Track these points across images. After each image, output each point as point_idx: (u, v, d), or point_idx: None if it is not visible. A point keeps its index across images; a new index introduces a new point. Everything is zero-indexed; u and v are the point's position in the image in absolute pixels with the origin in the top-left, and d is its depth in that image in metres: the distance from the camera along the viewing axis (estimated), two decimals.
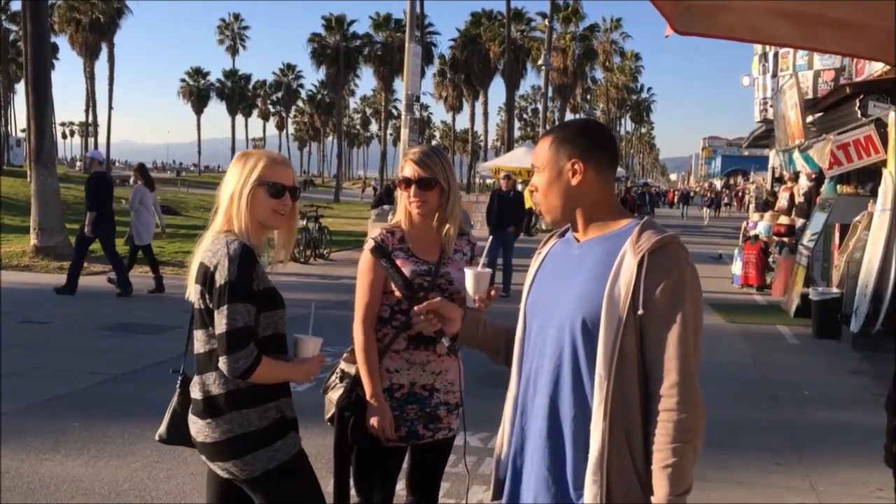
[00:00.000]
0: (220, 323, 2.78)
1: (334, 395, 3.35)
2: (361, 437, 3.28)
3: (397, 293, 3.06)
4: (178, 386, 3.13)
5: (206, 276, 2.84)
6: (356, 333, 3.30)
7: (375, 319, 3.32)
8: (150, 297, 13.00)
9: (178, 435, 3.07)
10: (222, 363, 2.78)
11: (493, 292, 3.03)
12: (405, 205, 3.39)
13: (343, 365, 3.37)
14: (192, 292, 2.91)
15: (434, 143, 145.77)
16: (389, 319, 3.33)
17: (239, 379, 2.81)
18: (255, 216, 2.92)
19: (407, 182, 3.35)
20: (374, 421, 3.24)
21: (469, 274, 2.93)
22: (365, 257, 3.33)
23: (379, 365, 3.29)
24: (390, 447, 3.31)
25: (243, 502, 2.98)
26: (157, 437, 3.17)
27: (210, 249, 2.88)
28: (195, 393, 2.93)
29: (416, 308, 2.68)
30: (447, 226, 3.41)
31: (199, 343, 2.92)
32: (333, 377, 3.40)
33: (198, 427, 2.92)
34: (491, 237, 7.98)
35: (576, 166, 2.33)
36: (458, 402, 3.45)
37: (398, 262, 3.23)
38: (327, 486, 3.28)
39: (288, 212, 3.02)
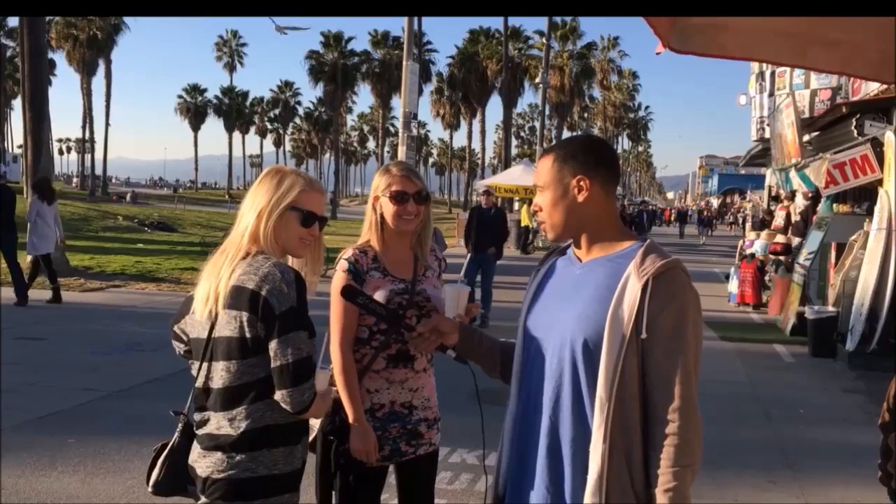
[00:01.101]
0: (285, 352, 2.55)
1: (315, 420, 3.24)
2: (346, 460, 3.24)
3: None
4: (179, 430, 2.81)
5: (255, 302, 2.56)
6: (334, 357, 3.22)
7: (353, 342, 3.27)
8: (146, 314, 13.00)
9: (179, 483, 2.81)
10: (286, 395, 2.56)
11: (472, 309, 3.04)
12: (390, 221, 3.32)
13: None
14: (222, 320, 2.63)
15: (431, 160, 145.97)
16: (368, 340, 3.28)
17: (300, 413, 2.61)
18: (280, 241, 2.71)
19: (402, 196, 3.29)
20: (358, 445, 3.20)
21: (448, 292, 2.92)
22: (336, 279, 3.26)
23: (359, 386, 3.25)
24: (374, 467, 3.29)
25: None
26: (151, 489, 2.87)
27: (252, 273, 2.60)
28: (219, 429, 2.64)
29: (417, 330, 2.68)
30: (424, 241, 3.43)
31: (231, 375, 2.63)
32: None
33: (212, 461, 2.65)
34: (468, 259, 7.46)
35: (581, 183, 2.33)
36: (437, 416, 3.47)
37: (375, 282, 3.25)
38: None
39: (314, 241, 2.82)
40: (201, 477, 2.68)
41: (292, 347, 2.56)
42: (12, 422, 6.91)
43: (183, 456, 2.76)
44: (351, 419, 3.20)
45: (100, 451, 6.24)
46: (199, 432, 2.71)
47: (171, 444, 2.81)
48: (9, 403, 7.42)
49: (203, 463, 2.68)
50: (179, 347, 2.94)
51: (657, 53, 2.93)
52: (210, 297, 2.65)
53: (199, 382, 2.72)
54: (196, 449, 2.73)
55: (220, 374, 2.65)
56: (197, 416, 2.74)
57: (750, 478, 6.25)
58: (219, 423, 2.65)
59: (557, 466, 2.28)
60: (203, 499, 2.68)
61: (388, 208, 3.32)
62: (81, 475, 5.76)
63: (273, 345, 2.57)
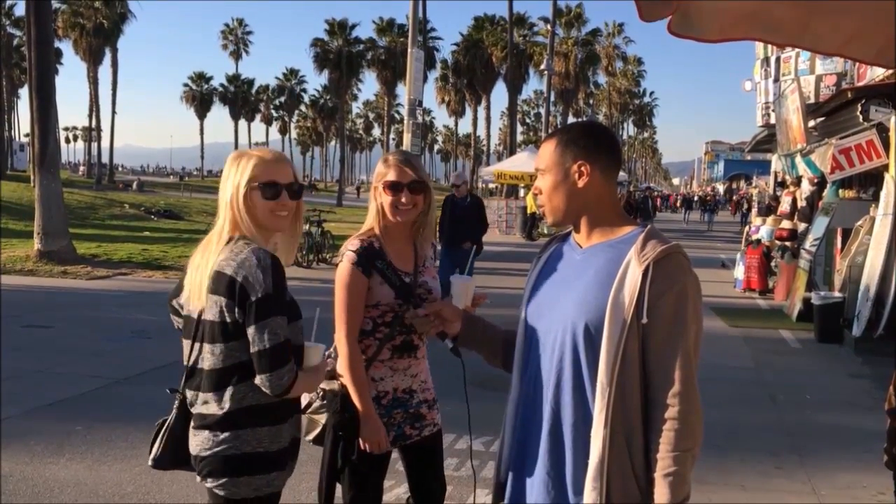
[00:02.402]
0: (262, 338, 2.61)
1: (320, 415, 3.25)
2: (356, 453, 3.24)
3: (385, 301, 3.11)
4: (175, 407, 2.86)
5: (232, 288, 2.62)
6: (341, 350, 3.23)
7: (358, 333, 3.27)
8: (153, 302, 13.02)
9: (178, 457, 2.85)
10: (265, 380, 2.62)
11: (479, 299, 3.04)
12: (387, 211, 3.30)
13: (324, 383, 3.20)
14: (207, 304, 2.69)
15: (437, 147, 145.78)
16: (373, 331, 3.29)
17: (279, 396, 2.67)
18: (255, 220, 2.73)
19: (395, 186, 3.27)
20: (370, 437, 3.23)
21: (455, 283, 2.92)
22: (344, 270, 3.24)
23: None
24: (380, 453, 3.31)
25: None
26: (151, 462, 2.91)
27: (231, 258, 2.66)
28: (207, 408, 2.72)
29: (421, 311, 2.69)
30: (425, 231, 3.42)
31: (215, 357, 2.70)
32: (313, 395, 3.27)
33: (200, 439, 2.74)
34: (441, 255, 6.93)
35: (582, 168, 2.33)
36: (434, 396, 3.51)
37: (381, 277, 3.25)
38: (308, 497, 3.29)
39: (291, 211, 2.83)
40: (192, 454, 2.77)
41: (269, 333, 2.61)
42: (20, 409, 6.95)
43: (182, 432, 2.82)
44: (361, 411, 3.20)
45: (107, 438, 6.28)
46: (192, 411, 2.79)
47: (168, 420, 2.87)
48: (16, 390, 7.47)
49: (194, 441, 2.77)
50: (177, 322, 3.02)
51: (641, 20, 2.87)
52: (196, 283, 2.73)
53: (190, 361, 2.79)
54: (189, 427, 2.80)
55: (206, 356, 2.72)
56: (189, 395, 2.81)
57: (756, 463, 6.26)
58: (206, 403, 2.73)
59: (559, 451, 2.29)
60: (209, 480, 2.75)
61: (385, 198, 3.31)
62: (89, 462, 5.79)
63: (251, 331, 2.63)
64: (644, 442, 2.21)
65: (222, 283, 2.64)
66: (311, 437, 3.32)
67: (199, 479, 2.78)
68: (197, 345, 2.76)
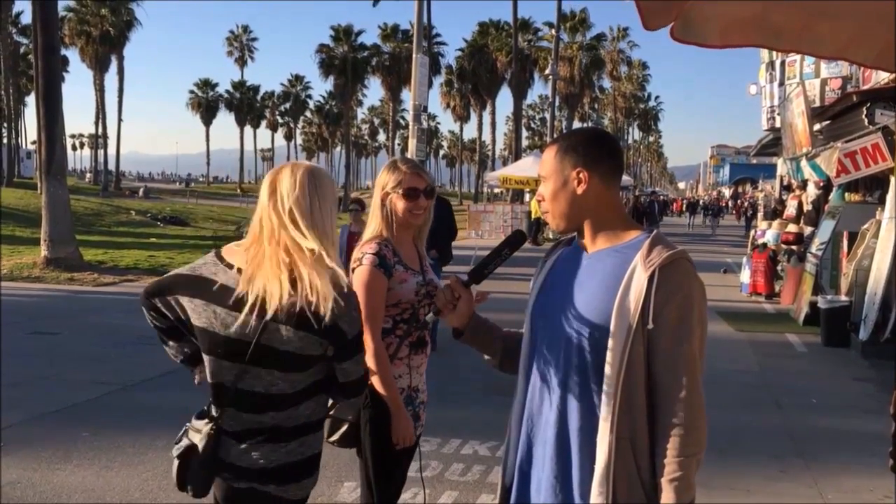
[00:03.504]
0: (356, 369, 2.71)
1: (342, 412, 3.20)
2: (383, 446, 3.35)
3: (406, 299, 3.25)
4: (208, 434, 2.68)
5: (323, 326, 2.55)
6: (368, 347, 3.21)
7: (381, 331, 3.36)
8: None
9: (209, 481, 2.73)
10: (357, 401, 2.84)
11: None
12: (403, 215, 3.44)
13: None
14: (284, 332, 2.55)
15: (442, 153, 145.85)
16: (393, 329, 3.40)
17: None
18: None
19: (414, 192, 3.43)
20: (402, 430, 3.33)
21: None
22: (365, 272, 3.31)
23: None
24: (405, 448, 3.41)
25: None
26: (192, 494, 2.75)
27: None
28: (273, 424, 2.65)
29: (447, 283, 2.61)
30: (422, 234, 3.60)
31: (288, 384, 2.62)
32: None
33: (264, 451, 2.66)
34: None
35: (580, 175, 2.34)
36: (426, 399, 3.61)
37: (400, 274, 3.37)
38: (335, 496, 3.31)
39: None
40: (249, 468, 2.67)
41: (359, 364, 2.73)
42: (27, 415, 6.97)
43: (213, 453, 2.69)
44: (391, 406, 3.32)
45: (114, 444, 6.30)
46: (247, 427, 2.68)
47: (202, 449, 2.70)
48: (24, 396, 7.50)
49: (257, 453, 2.67)
50: (159, 321, 2.83)
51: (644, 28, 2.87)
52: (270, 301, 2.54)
53: (242, 385, 2.66)
54: (236, 443, 2.69)
55: (283, 382, 2.64)
56: (234, 415, 2.69)
57: (761, 467, 6.25)
58: (273, 420, 2.66)
59: (565, 456, 2.30)
60: (255, 484, 2.68)
61: (400, 204, 3.43)
62: (96, 468, 5.82)
63: (346, 364, 2.67)
64: (650, 447, 2.22)
65: (316, 321, 2.55)
66: (335, 437, 3.36)
67: (254, 484, 2.68)
68: (255, 369, 2.63)
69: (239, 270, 2.60)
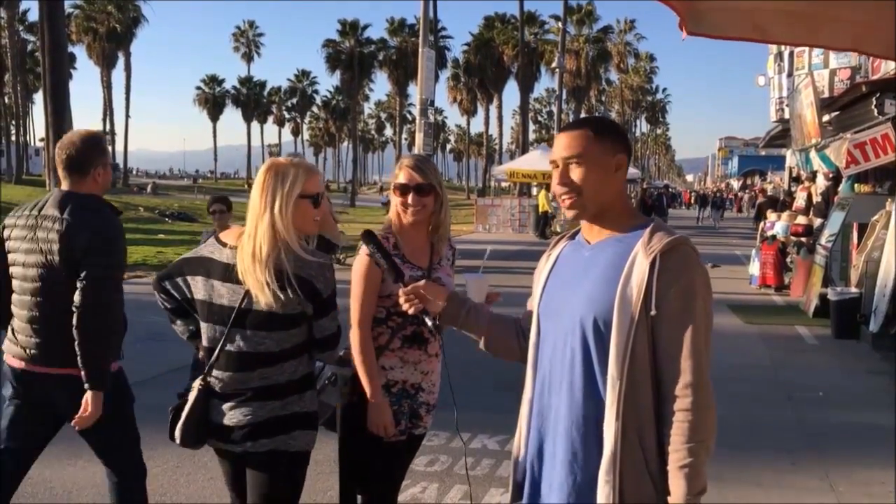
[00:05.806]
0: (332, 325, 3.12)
1: (329, 397, 3.36)
2: (365, 436, 3.38)
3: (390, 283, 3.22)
4: (198, 389, 3.17)
5: (306, 288, 3.01)
6: (353, 335, 3.39)
7: (371, 321, 3.41)
8: None
9: (200, 436, 3.20)
10: (332, 353, 3.20)
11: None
12: (398, 211, 3.49)
13: (335, 368, 3.38)
14: (273, 296, 2.96)
15: (449, 147, 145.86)
16: (385, 320, 3.44)
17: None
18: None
19: (404, 188, 3.46)
20: (376, 420, 3.35)
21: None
22: (361, 262, 3.39)
23: (376, 363, 3.41)
24: (392, 441, 3.43)
25: None
26: (178, 442, 3.24)
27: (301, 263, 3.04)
28: (272, 380, 3.05)
29: (401, 290, 2.70)
30: (440, 231, 3.57)
31: (274, 342, 3.03)
32: (323, 380, 3.37)
33: (255, 406, 3.05)
34: None
35: (621, 160, 2.35)
36: (436, 402, 3.61)
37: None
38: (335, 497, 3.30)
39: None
40: (247, 424, 3.06)
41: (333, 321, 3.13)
42: None
43: (203, 411, 3.14)
44: (368, 395, 3.34)
45: None
46: (236, 388, 3.08)
47: (190, 402, 3.16)
48: None
49: (244, 410, 3.07)
50: (169, 302, 3.28)
51: (683, 40, 2.90)
52: (265, 283, 2.97)
53: (221, 344, 3.08)
54: (225, 402, 3.10)
55: (270, 341, 3.04)
56: (224, 375, 3.10)
57: (773, 460, 6.23)
58: (261, 377, 3.05)
59: (574, 447, 2.29)
60: (249, 443, 3.07)
61: (394, 199, 3.53)
62: None
63: (322, 321, 3.09)
64: (657, 435, 2.20)
65: (302, 287, 3.01)
66: (320, 420, 3.39)
67: (247, 444, 3.07)
68: (244, 330, 3.04)
69: (233, 248, 3.06)
